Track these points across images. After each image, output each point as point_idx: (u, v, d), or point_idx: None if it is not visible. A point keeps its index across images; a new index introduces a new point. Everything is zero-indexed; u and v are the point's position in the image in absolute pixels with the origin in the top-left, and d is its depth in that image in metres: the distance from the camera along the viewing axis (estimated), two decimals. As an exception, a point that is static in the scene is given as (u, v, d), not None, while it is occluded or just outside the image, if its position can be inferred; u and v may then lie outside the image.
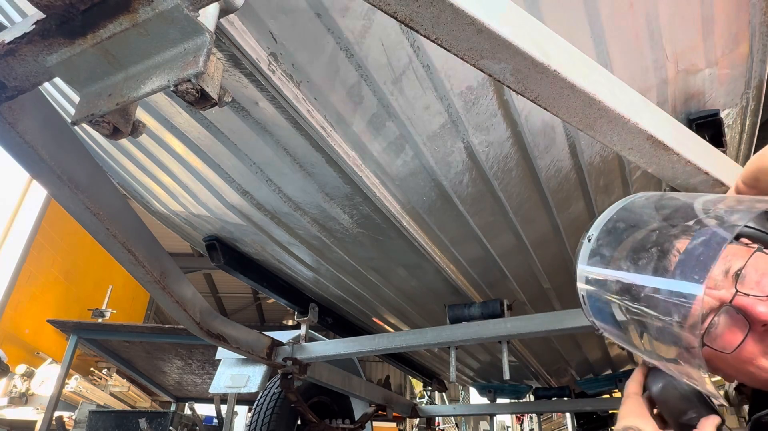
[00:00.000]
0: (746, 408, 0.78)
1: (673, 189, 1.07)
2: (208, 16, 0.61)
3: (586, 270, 0.86)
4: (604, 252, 0.84)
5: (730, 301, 0.72)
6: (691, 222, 0.79)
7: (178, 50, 0.58)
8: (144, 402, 7.01)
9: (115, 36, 0.57)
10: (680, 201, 0.85)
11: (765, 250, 0.76)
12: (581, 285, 0.87)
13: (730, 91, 1.49)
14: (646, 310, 0.77)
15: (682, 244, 0.75)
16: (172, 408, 6.36)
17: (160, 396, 6.63)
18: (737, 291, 0.72)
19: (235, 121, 1.39)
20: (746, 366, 0.73)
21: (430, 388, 4.36)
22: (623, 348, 2.29)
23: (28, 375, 5.76)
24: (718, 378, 0.82)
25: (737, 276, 0.73)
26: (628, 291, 0.79)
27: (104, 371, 6.50)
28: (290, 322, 14.11)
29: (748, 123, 1.60)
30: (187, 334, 2.93)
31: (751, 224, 0.79)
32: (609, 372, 4.20)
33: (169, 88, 0.58)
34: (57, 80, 1.42)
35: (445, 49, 0.76)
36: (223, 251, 2.19)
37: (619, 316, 0.81)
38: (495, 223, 1.88)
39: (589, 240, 0.86)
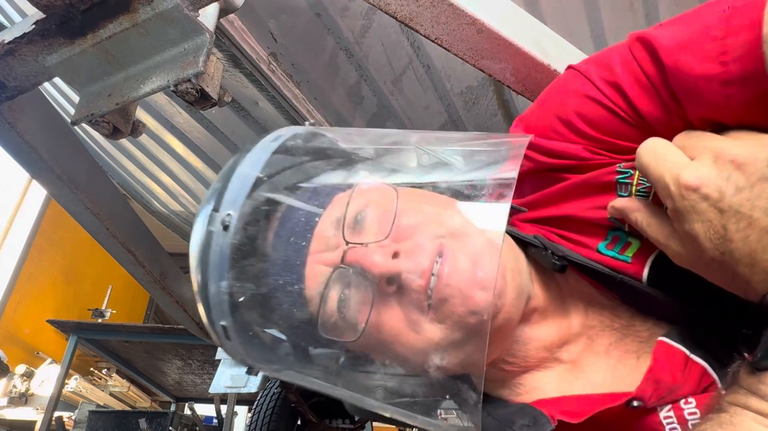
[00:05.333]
0: None
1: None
2: (208, 16, 0.61)
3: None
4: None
5: (342, 260, 0.50)
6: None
7: (178, 50, 0.58)
8: (144, 403, 7.00)
9: (115, 36, 0.57)
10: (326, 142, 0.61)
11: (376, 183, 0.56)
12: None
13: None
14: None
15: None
16: (172, 408, 6.35)
17: (160, 396, 6.62)
18: (348, 242, 0.51)
19: (235, 121, 1.39)
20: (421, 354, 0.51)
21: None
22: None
23: (28, 376, 5.75)
24: None
25: (355, 222, 0.52)
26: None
27: (104, 371, 6.49)
28: (290, 322, 14.07)
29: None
30: (187, 334, 2.93)
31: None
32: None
33: (169, 88, 0.58)
34: (57, 80, 1.42)
35: (445, 49, 0.76)
36: (223, 251, 2.19)
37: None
38: (495, 223, 1.87)
39: (226, 228, 0.53)
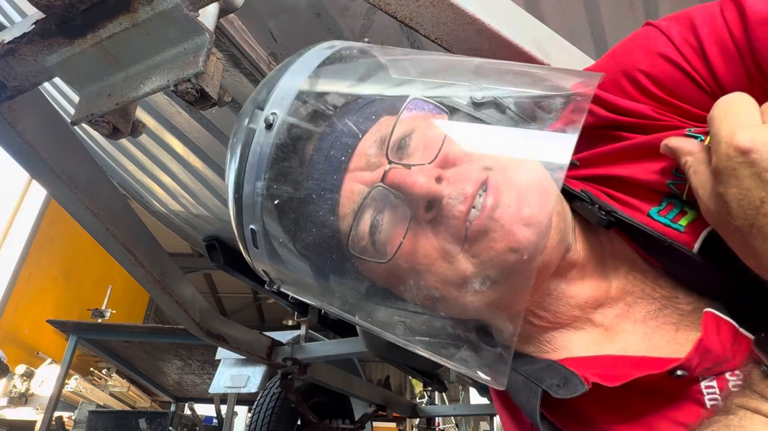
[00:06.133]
0: None
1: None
2: (208, 15, 0.61)
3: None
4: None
5: (382, 179, 0.48)
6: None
7: (178, 50, 0.58)
8: (144, 403, 7.00)
9: (115, 36, 0.57)
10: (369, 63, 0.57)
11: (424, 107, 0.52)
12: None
13: (730, 91, 1.49)
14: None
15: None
16: (172, 408, 6.36)
17: (160, 396, 6.62)
18: (390, 162, 0.48)
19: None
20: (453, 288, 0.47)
21: (430, 388, 4.35)
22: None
23: (28, 376, 5.75)
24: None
25: (399, 147, 0.49)
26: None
27: (104, 371, 6.49)
28: (290, 322, 14.10)
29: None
30: (187, 334, 2.93)
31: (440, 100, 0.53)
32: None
33: (169, 87, 0.58)
34: (57, 80, 1.42)
35: (445, 49, 0.76)
36: (223, 251, 2.19)
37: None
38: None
39: (269, 126, 0.50)
